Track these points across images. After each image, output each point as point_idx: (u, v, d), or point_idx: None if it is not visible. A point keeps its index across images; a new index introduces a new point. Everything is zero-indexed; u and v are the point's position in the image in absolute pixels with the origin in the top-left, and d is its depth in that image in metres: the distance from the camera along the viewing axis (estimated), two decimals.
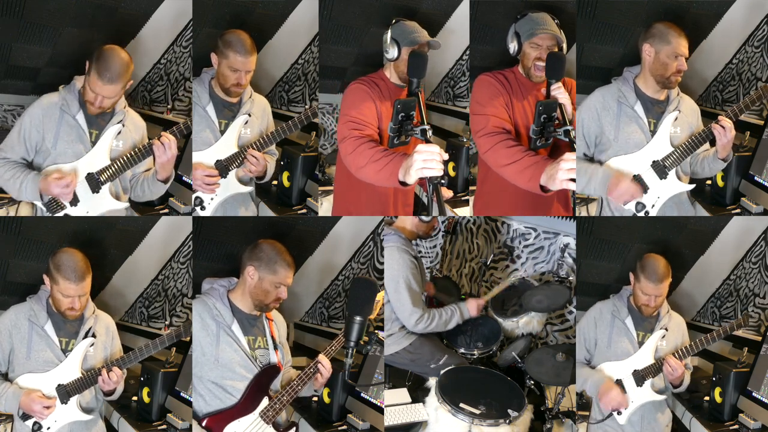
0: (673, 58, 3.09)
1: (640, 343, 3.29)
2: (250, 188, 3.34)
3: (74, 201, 2.98)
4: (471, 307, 3.49)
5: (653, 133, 3.16)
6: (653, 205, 3.16)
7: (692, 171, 3.27)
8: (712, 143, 3.18)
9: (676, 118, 3.17)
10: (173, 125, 3.49)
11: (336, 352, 3.20)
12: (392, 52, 3.07)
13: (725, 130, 3.05)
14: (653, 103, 3.18)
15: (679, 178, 3.19)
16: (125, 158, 2.97)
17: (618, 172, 3.16)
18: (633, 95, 3.18)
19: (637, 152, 3.17)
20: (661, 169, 3.14)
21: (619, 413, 3.27)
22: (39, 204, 3.06)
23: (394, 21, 3.11)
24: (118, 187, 3.14)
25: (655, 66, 3.12)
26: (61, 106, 3.06)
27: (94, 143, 3.05)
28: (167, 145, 2.97)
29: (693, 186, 3.23)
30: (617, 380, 3.27)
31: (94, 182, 2.99)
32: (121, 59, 2.96)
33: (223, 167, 3.18)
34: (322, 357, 3.16)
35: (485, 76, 3.18)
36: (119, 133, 3.04)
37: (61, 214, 3.10)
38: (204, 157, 3.23)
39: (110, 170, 2.98)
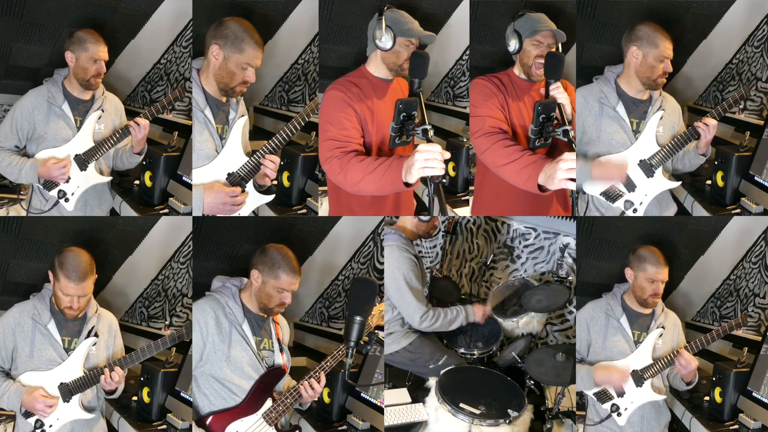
0: (659, 61, 3.12)
1: (636, 343, 3.29)
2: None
3: (66, 179, 3.28)
4: (477, 313, 3.49)
5: (635, 132, 3.20)
6: (641, 203, 3.20)
7: (673, 168, 3.32)
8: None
9: (661, 117, 3.21)
10: (174, 125, 3.51)
11: (332, 367, 3.18)
12: (386, 41, 2.95)
13: (709, 128, 3.17)
14: (635, 103, 3.20)
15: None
16: (106, 140, 3.29)
17: (597, 160, 3.18)
18: (614, 96, 3.20)
19: (623, 151, 3.19)
20: (648, 167, 3.19)
21: (619, 414, 3.26)
22: (37, 185, 3.27)
23: (386, 7, 2.98)
24: (101, 164, 3.35)
25: (643, 69, 3.15)
26: (48, 98, 3.26)
27: (79, 128, 3.28)
28: (142, 125, 3.25)
29: (679, 183, 3.28)
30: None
31: (82, 162, 3.28)
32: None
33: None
34: (314, 377, 3.14)
35: (479, 79, 3.16)
36: (99, 117, 3.31)
37: (55, 191, 3.28)
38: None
39: (94, 151, 3.29)
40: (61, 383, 3.10)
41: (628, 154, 3.19)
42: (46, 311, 3.13)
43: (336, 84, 3.03)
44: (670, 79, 3.33)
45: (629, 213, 3.21)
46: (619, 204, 3.21)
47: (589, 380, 3.27)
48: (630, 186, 3.20)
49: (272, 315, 3.17)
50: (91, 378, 3.12)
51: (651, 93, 3.22)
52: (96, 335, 3.17)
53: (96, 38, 3.24)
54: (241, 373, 3.09)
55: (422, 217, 3.37)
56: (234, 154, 3.20)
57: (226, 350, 3.08)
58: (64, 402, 3.10)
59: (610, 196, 3.19)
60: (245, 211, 3.25)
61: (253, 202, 3.25)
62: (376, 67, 3.06)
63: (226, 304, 3.12)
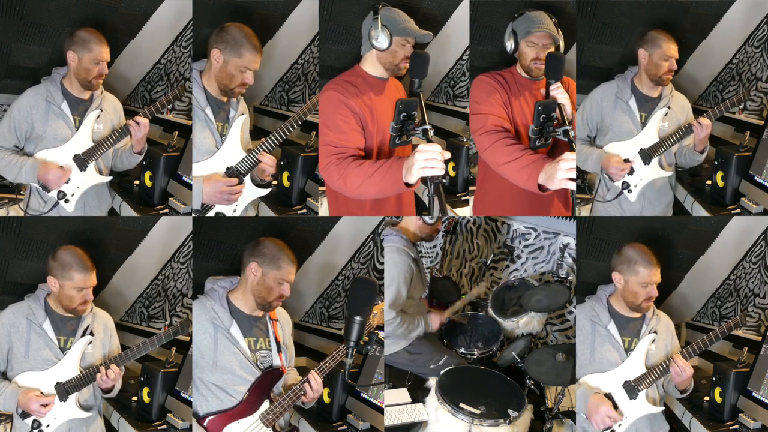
0: (664, 60, 3.36)
1: (627, 350, 3.17)
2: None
3: (58, 189, 3.28)
4: (434, 322, 3.45)
5: (643, 125, 3.43)
6: (636, 185, 3.44)
7: (677, 162, 3.51)
8: None
9: (665, 114, 3.42)
10: (174, 125, 3.51)
11: (331, 368, 3.17)
12: (383, 41, 2.94)
13: (702, 127, 3.33)
14: (646, 99, 3.43)
15: (662, 166, 3.45)
16: (106, 139, 3.29)
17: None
18: (629, 91, 3.44)
19: (628, 140, 3.43)
20: (646, 156, 3.42)
21: None
22: (36, 186, 3.27)
23: (381, 5, 2.97)
24: (100, 164, 3.35)
25: (650, 67, 3.39)
26: (46, 97, 3.26)
27: (77, 128, 3.28)
28: (142, 124, 3.26)
29: (671, 173, 3.48)
30: (606, 394, 3.14)
31: (81, 162, 3.28)
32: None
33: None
34: (313, 374, 3.12)
35: (483, 76, 3.19)
36: (98, 117, 3.31)
37: (54, 192, 3.27)
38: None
39: (94, 151, 3.29)
40: (58, 383, 3.10)
41: (632, 144, 3.45)
42: (40, 311, 3.12)
43: (331, 84, 3.01)
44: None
45: (624, 192, 3.45)
46: (618, 184, 3.45)
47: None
48: (629, 169, 3.43)
49: (270, 310, 3.15)
50: (87, 377, 3.11)
51: (662, 91, 3.43)
52: (91, 334, 3.16)
53: (99, 39, 3.24)
54: (233, 378, 3.08)
55: (425, 218, 3.35)
56: (233, 150, 3.26)
57: (213, 356, 3.07)
58: (60, 401, 3.10)
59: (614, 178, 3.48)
60: (242, 203, 3.29)
61: (250, 193, 3.30)
62: (372, 66, 3.04)
63: (212, 309, 3.10)
